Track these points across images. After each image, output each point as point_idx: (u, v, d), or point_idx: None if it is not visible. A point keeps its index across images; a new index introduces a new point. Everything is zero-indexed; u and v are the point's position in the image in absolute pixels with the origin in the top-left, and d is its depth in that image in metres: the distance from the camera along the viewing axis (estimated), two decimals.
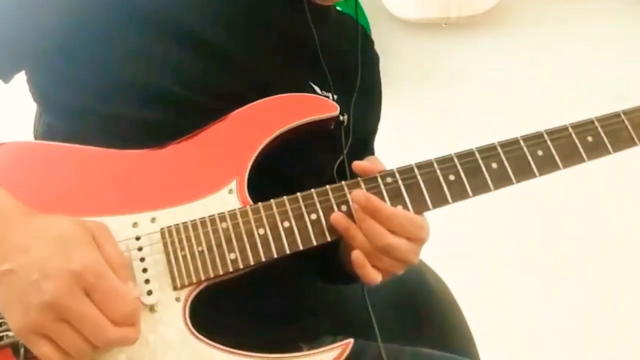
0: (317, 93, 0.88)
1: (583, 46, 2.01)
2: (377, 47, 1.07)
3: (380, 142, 1.08)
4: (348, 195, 0.77)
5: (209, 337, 0.72)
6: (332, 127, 0.87)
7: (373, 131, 1.06)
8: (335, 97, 0.89)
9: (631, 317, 1.92)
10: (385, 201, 0.77)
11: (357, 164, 0.79)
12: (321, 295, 0.97)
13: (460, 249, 1.89)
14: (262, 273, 0.77)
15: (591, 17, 2.01)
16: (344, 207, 0.77)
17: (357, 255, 0.75)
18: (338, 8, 1.02)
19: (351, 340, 0.74)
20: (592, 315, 1.94)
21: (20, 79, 0.87)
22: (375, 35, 1.96)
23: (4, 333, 0.69)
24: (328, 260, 0.95)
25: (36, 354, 0.65)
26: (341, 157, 0.89)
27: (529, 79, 2.04)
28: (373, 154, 1.06)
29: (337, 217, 0.76)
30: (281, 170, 0.84)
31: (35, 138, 0.88)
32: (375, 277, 0.76)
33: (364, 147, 1.02)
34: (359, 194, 0.76)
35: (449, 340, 1.07)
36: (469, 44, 2.09)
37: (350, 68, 0.96)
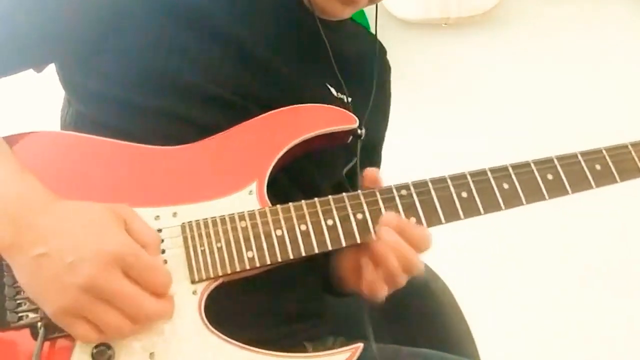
0: (332, 94, 0.92)
1: (583, 46, 2.02)
2: None
3: None
4: (364, 204, 0.80)
5: (218, 328, 0.74)
6: (349, 139, 0.90)
7: (381, 138, 1.09)
8: (350, 99, 0.92)
9: (631, 317, 1.92)
10: (399, 212, 0.80)
11: (369, 172, 0.82)
12: (324, 296, 0.98)
13: (461, 249, 1.89)
14: (270, 273, 0.79)
15: (591, 16, 2.02)
16: (359, 216, 0.79)
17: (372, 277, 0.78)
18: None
19: (360, 345, 0.76)
20: (593, 316, 1.93)
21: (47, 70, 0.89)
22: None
23: (24, 313, 0.70)
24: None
25: (73, 334, 0.67)
26: (351, 164, 0.92)
27: (529, 79, 2.05)
28: (380, 159, 1.09)
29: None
30: (298, 174, 0.88)
31: (63, 128, 0.91)
32: (383, 292, 0.79)
33: (373, 154, 1.05)
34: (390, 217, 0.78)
35: (449, 340, 1.09)
36: (469, 44, 2.09)
37: (366, 78, 0.99)
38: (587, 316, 1.94)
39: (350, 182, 0.93)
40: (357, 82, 0.97)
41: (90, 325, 0.66)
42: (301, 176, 0.88)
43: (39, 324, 0.69)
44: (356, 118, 0.86)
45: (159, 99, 0.82)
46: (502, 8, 2.02)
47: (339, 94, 0.93)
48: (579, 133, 1.68)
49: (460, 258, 1.85)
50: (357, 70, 0.99)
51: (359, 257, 0.82)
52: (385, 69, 1.10)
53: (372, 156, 1.04)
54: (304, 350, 0.90)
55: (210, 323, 0.74)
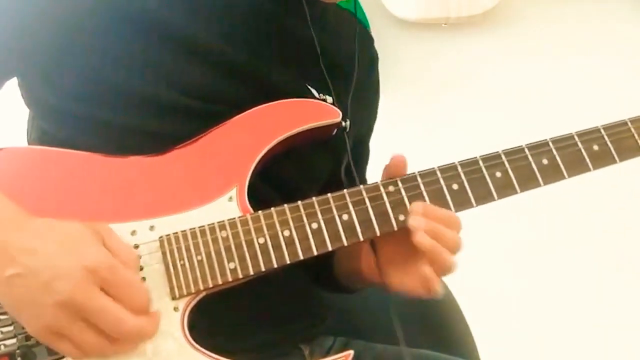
0: (314, 96, 0.87)
1: (583, 46, 2.00)
2: (377, 47, 1.06)
3: (379, 143, 1.07)
4: (350, 205, 0.76)
5: (207, 341, 0.71)
6: (334, 133, 0.85)
7: (369, 130, 1.04)
8: (333, 99, 0.87)
9: (632, 318, 1.91)
10: (387, 209, 0.76)
11: (394, 157, 0.79)
12: (318, 293, 0.96)
13: (461, 250, 1.87)
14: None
15: (591, 17, 2.00)
16: (345, 216, 0.76)
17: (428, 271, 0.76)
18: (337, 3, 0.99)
19: (351, 352, 0.74)
20: (594, 317, 1.93)
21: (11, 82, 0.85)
22: (375, 35, 1.94)
23: (2, 342, 0.68)
24: (322, 270, 0.94)
25: (60, 352, 0.66)
26: (345, 162, 0.87)
27: (529, 79, 2.03)
28: (368, 153, 1.05)
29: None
30: (280, 177, 0.83)
31: (29, 143, 0.87)
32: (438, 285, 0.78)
33: (360, 147, 1.01)
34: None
35: (449, 341, 1.07)
36: (469, 44, 2.07)
37: (348, 68, 0.94)
38: (588, 316, 1.93)
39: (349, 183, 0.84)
40: (342, 78, 0.91)
41: (73, 344, 0.64)
42: (287, 185, 0.84)
43: (17, 352, 0.68)
44: (339, 111, 0.82)
45: (124, 114, 0.77)
46: (502, 8, 2.00)
47: (321, 94, 0.87)
48: None
49: (460, 258, 1.84)
50: (341, 65, 0.93)
51: (395, 250, 0.80)
52: (372, 57, 1.03)
53: (360, 150, 1.00)
54: (300, 354, 0.88)
55: (195, 337, 0.71)
